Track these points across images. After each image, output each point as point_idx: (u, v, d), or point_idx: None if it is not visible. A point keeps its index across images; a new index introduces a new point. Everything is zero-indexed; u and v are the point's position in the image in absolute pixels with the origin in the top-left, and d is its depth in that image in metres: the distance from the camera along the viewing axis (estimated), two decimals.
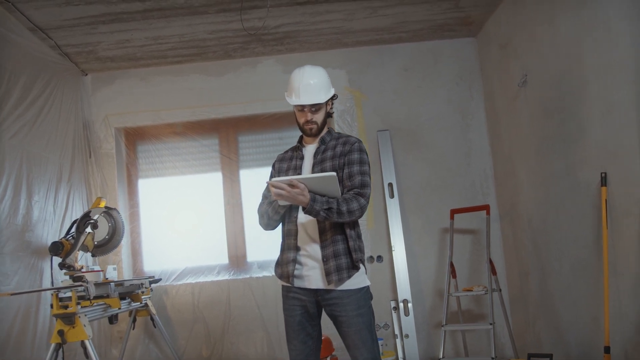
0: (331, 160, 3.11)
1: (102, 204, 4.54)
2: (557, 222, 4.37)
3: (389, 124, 5.68)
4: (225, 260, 5.69)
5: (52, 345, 3.63)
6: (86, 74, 5.66)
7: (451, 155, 5.69)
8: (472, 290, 4.92)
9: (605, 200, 3.59)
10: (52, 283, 4.38)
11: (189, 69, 5.75)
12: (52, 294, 3.61)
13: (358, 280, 3.02)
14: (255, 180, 5.74)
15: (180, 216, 5.71)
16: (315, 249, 3.04)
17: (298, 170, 3.18)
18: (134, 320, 5.04)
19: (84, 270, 4.37)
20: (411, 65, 5.79)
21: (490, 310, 4.73)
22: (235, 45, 5.40)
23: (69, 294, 3.66)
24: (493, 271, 4.97)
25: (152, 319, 4.96)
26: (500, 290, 5.05)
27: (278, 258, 3.24)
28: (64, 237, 4.42)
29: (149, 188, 5.78)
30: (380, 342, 4.90)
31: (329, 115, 3.24)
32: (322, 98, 3.11)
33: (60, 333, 3.58)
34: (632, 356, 3.50)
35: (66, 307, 3.61)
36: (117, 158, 5.64)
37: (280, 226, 3.26)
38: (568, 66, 3.99)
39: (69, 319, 3.58)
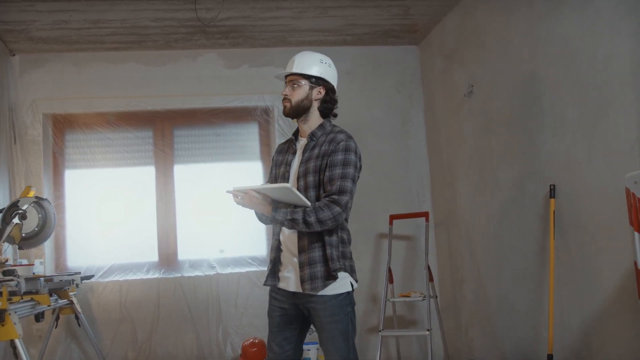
0: (315, 160, 2.90)
1: (32, 194, 4.28)
2: (498, 232, 4.46)
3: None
4: (155, 257, 5.46)
5: None
6: (14, 55, 5.30)
7: (390, 161, 5.72)
8: (409, 296, 4.95)
9: (554, 211, 3.68)
10: None
11: (126, 57, 5.50)
12: None
13: (335, 286, 2.85)
14: (189, 176, 5.59)
15: (109, 210, 5.44)
16: (294, 253, 2.92)
17: (289, 166, 3.03)
18: (57, 319, 4.75)
19: (8, 263, 4.10)
20: (354, 69, 5.77)
21: (427, 316, 4.77)
22: (177, 35, 5.21)
23: None
24: (430, 278, 5.01)
25: (76, 317, 4.68)
26: (436, 296, 5.10)
27: None
28: None
29: (76, 179, 5.46)
30: (315, 346, 4.86)
31: (325, 112, 3.06)
32: (298, 69, 2.97)
33: None
34: None
35: None
36: (43, 146, 5.31)
37: None
38: (520, 79, 4.07)
39: None
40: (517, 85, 4.13)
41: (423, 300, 4.86)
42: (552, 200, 3.70)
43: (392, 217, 5.29)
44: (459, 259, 5.14)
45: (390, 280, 5.15)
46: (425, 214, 5.18)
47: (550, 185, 3.72)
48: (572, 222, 3.59)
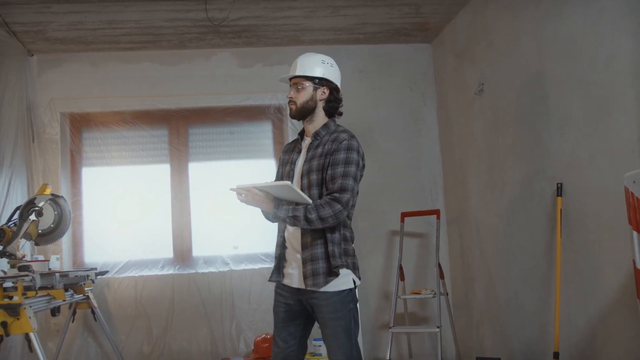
0: (318, 159, 2.96)
1: (48, 191, 4.36)
2: (507, 230, 4.47)
3: (340, 124, 5.67)
4: (170, 254, 5.55)
5: None
6: (32, 55, 5.42)
7: (401, 159, 5.74)
8: (420, 293, 4.98)
9: (560, 210, 3.69)
10: None
11: (141, 57, 5.59)
12: None
13: (338, 282, 2.90)
14: (204, 174, 5.67)
15: (125, 207, 5.53)
16: (297, 249, 2.98)
17: (294, 165, 3.09)
18: (74, 313, 4.85)
19: (26, 259, 4.20)
20: (366, 67, 5.82)
21: (437, 313, 4.79)
22: (191, 35, 5.29)
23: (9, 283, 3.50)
24: (441, 275, 5.03)
25: (93, 312, 4.79)
26: (447, 294, 5.12)
27: None
28: (6, 223, 4.23)
29: (93, 177, 5.57)
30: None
31: (330, 111, 3.09)
32: (301, 72, 3.02)
33: (3, 325, 3.40)
34: None
35: (10, 297, 3.44)
36: (61, 144, 5.42)
37: None
38: (527, 78, 4.08)
39: (14, 310, 3.41)
40: (524, 84, 4.14)
41: (433, 297, 4.88)
42: (559, 198, 3.71)
43: (404, 215, 5.31)
44: (470, 257, 5.15)
45: (402, 277, 5.17)
46: (436, 212, 5.20)
47: (557, 184, 3.73)
48: (577, 220, 3.60)
